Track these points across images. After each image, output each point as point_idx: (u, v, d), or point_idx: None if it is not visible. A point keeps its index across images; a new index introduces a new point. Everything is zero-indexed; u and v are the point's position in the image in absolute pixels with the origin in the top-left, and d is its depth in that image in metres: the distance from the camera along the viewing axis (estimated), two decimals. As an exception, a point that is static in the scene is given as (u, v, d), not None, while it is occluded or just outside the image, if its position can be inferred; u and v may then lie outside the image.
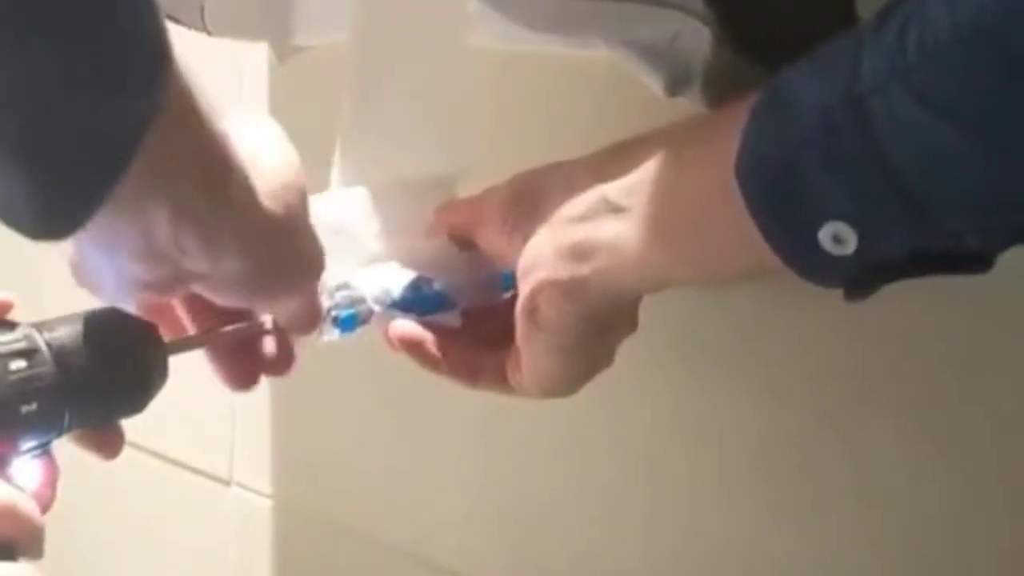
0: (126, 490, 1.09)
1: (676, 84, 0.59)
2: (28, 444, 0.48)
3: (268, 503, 0.99)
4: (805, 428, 0.69)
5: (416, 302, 0.62)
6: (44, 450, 0.50)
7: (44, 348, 0.48)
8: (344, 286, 0.61)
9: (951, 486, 0.65)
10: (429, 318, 0.62)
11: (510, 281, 0.60)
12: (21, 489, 0.48)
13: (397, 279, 0.62)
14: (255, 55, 0.93)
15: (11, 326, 0.48)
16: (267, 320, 0.58)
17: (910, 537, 0.66)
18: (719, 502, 0.73)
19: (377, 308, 0.61)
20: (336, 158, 0.65)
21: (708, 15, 0.57)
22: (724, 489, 0.73)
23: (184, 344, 0.54)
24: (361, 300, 0.61)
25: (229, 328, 0.56)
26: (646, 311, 0.59)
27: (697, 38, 0.57)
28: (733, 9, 0.56)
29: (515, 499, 0.83)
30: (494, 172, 0.80)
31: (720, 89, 0.59)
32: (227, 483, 1.02)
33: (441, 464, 0.87)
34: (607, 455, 0.78)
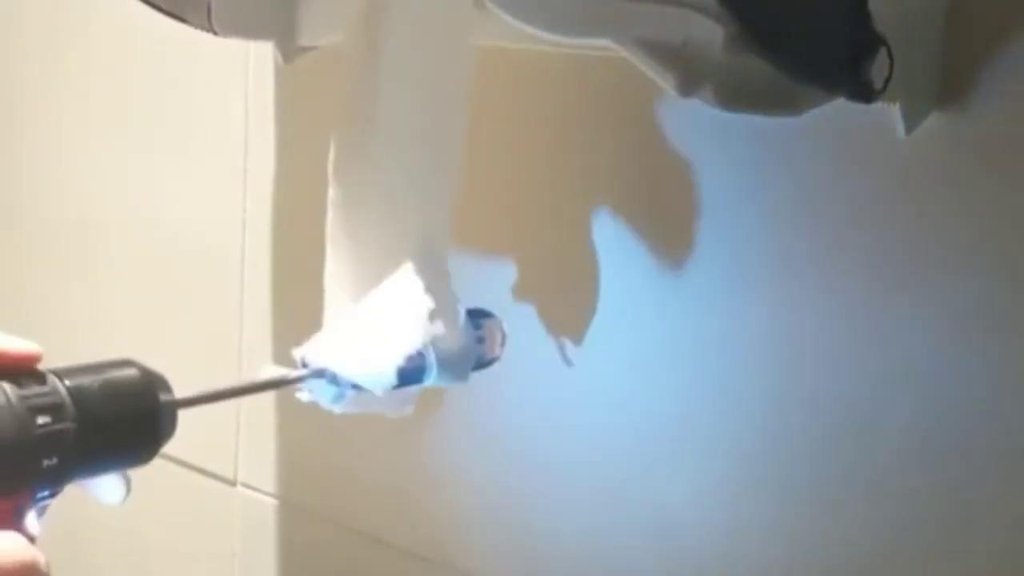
0: (132, 492, 1.08)
1: (689, 84, 0.59)
2: (42, 495, 0.50)
3: (273, 503, 0.99)
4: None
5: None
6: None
7: (68, 403, 0.49)
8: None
9: None
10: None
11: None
12: (32, 539, 0.49)
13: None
14: (261, 55, 0.93)
15: (39, 377, 0.49)
16: (282, 375, 0.60)
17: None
18: (729, 502, 0.73)
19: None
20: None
21: (722, 14, 0.57)
22: (729, 486, 0.73)
23: (196, 400, 0.56)
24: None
25: (241, 385, 0.59)
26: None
27: (710, 38, 0.57)
28: (746, 8, 0.56)
29: (520, 499, 0.83)
30: (501, 170, 0.81)
31: (734, 89, 0.59)
32: (232, 483, 1.02)
33: (446, 464, 0.87)
34: (611, 453, 0.78)
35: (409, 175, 0.65)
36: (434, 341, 0.63)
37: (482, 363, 0.68)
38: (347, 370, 0.60)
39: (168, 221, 1.05)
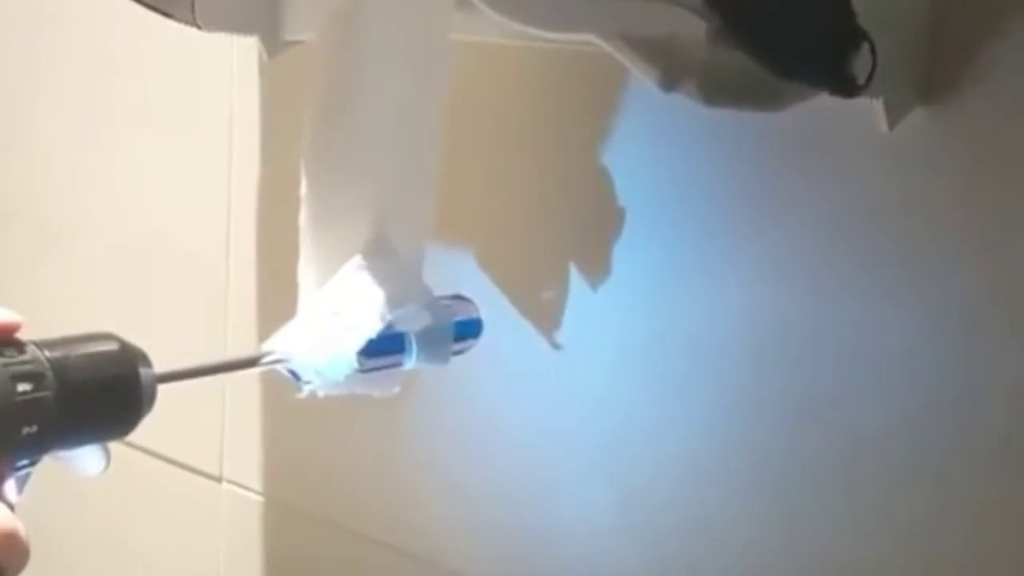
0: (117, 488, 1.08)
1: (672, 79, 0.59)
2: (22, 463, 0.50)
3: (259, 500, 0.99)
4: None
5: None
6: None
7: (49, 372, 0.49)
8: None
9: None
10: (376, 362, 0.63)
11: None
12: (11, 506, 0.49)
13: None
14: (245, 50, 0.93)
15: (19, 346, 0.49)
16: (260, 353, 0.60)
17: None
18: (730, 502, 0.73)
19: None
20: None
21: (705, 10, 0.57)
22: (728, 491, 0.73)
23: (175, 375, 0.56)
24: None
25: (220, 361, 0.59)
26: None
27: (694, 33, 0.57)
28: (730, 4, 0.56)
29: (508, 496, 0.83)
30: (487, 166, 0.81)
31: (717, 85, 0.59)
32: (218, 480, 1.02)
33: (432, 460, 0.87)
34: (598, 450, 0.78)
35: (380, 168, 0.65)
36: (403, 325, 0.63)
37: (469, 327, 0.68)
38: (305, 359, 0.61)
39: (152, 218, 1.05)
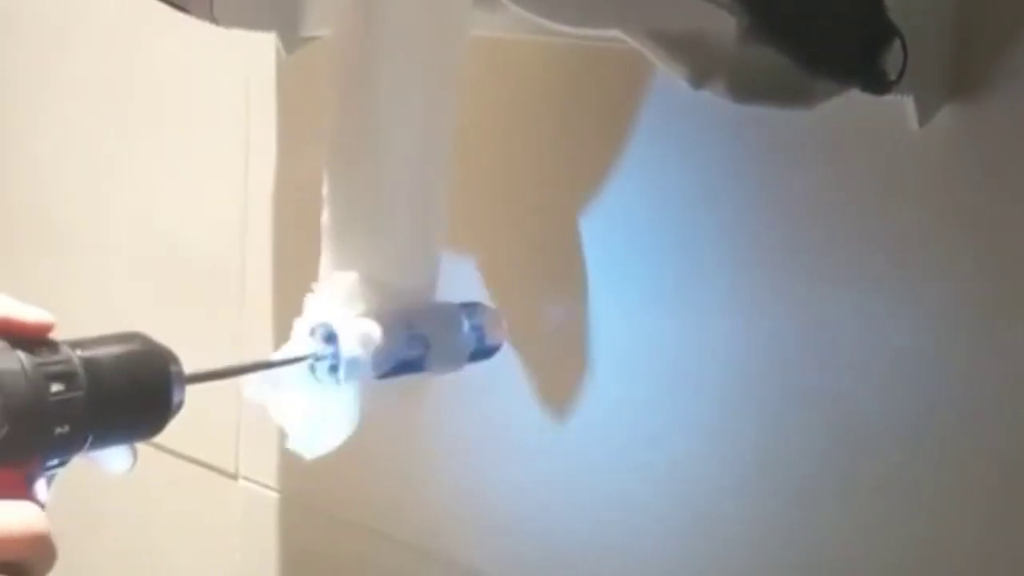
0: (133, 485, 1.08)
1: (701, 76, 0.59)
2: (52, 462, 0.50)
3: (274, 496, 0.99)
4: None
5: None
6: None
7: (81, 372, 0.49)
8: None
9: None
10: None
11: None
12: (42, 506, 0.49)
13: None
14: (263, 45, 0.93)
15: (53, 346, 0.50)
16: (297, 354, 0.60)
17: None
18: (726, 497, 0.73)
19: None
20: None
21: (735, 6, 0.56)
22: (731, 486, 0.73)
23: (204, 376, 0.56)
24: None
25: (251, 363, 0.60)
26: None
27: (723, 29, 0.57)
28: (761, 0, 0.55)
29: (520, 493, 0.83)
30: (506, 161, 0.80)
31: (747, 81, 0.58)
32: (234, 477, 1.02)
33: (447, 458, 0.87)
34: (604, 448, 0.78)
35: (400, 167, 0.65)
36: (431, 334, 0.65)
37: (487, 350, 0.69)
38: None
39: (169, 219, 1.05)
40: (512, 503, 0.83)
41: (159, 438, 1.04)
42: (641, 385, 0.76)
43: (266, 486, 0.99)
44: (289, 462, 0.98)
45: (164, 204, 1.05)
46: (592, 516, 0.79)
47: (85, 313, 1.09)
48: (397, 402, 0.83)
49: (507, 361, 0.79)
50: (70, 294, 1.12)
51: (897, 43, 0.57)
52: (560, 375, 0.79)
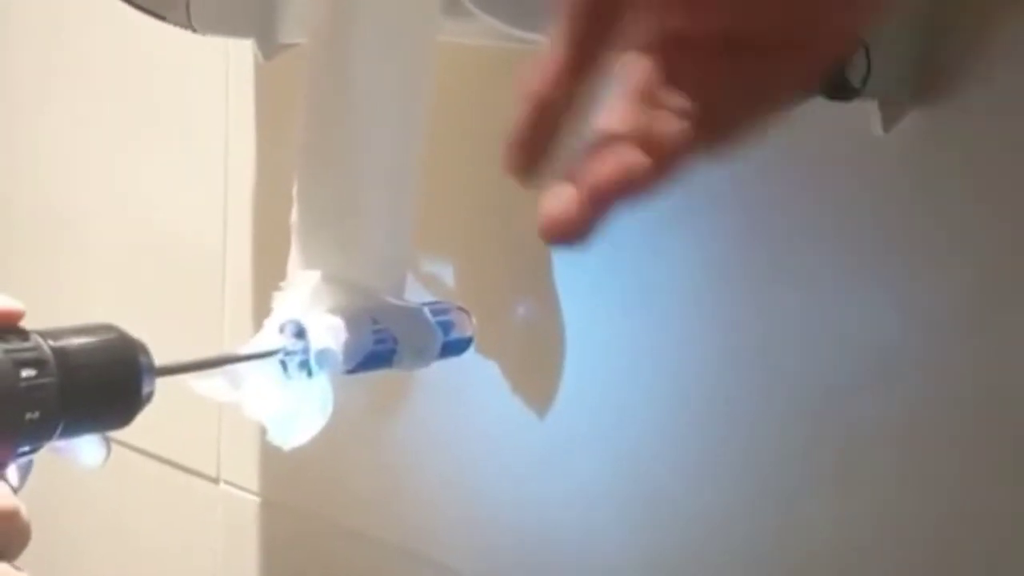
0: (116, 489, 1.09)
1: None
2: (23, 449, 0.50)
3: (256, 501, 0.99)
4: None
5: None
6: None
7: (52, 359, 0.49)
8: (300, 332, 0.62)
9: None
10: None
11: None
12: (14, 490, 0.49)
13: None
14: (241, 52, 0.93)
15: (23, 334, 0.50)
16: (270, 347, 0.60)
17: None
18: (702, 496, 0.74)
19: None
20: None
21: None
22: (705, 483, 0.73)
23: (174, 368, 0.56)
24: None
25: (220, 356, 0.60)
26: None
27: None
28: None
29: (501, 493, 0.83)
30: (475, 164, 0.81)
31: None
32: (216, 481, 1.02)
33: (428, 459, 0.87)
34: (590, 449, 0.78)
35: (367, 169, 0.66)
36: (397, 329, 0.65)
37: (457, 344, 0.69)
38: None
39: (150, 218, 1.05)
40: (496, 504, 0.83)
41: (141, 443, 1.04)
42: (625, 383, 0.76)
43: (248, 490, 1.00)
44: (271, 466, 0.98)
45: (146, 204, 1.05)
46: (578, 517, 0.80)
47: (65, 306, 1.10)
48: (375, 402, 0.84)
49: (482, 363, 0.79)
50: (52, 286, 1.12)
51: (861, 50, 0.57)
52: (535, 373, 0.80)
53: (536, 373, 0.80)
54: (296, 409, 0.64)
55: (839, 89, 0.58)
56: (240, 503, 1.00)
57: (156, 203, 1.05)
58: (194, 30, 0.78)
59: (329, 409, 0.64)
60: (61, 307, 1.11)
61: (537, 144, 0.44)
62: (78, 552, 1.13)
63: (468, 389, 0.82)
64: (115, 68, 1.07)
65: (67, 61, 1.11)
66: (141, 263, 1.06)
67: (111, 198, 1.09)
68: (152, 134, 1.04)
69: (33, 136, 1.15)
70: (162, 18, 0.78)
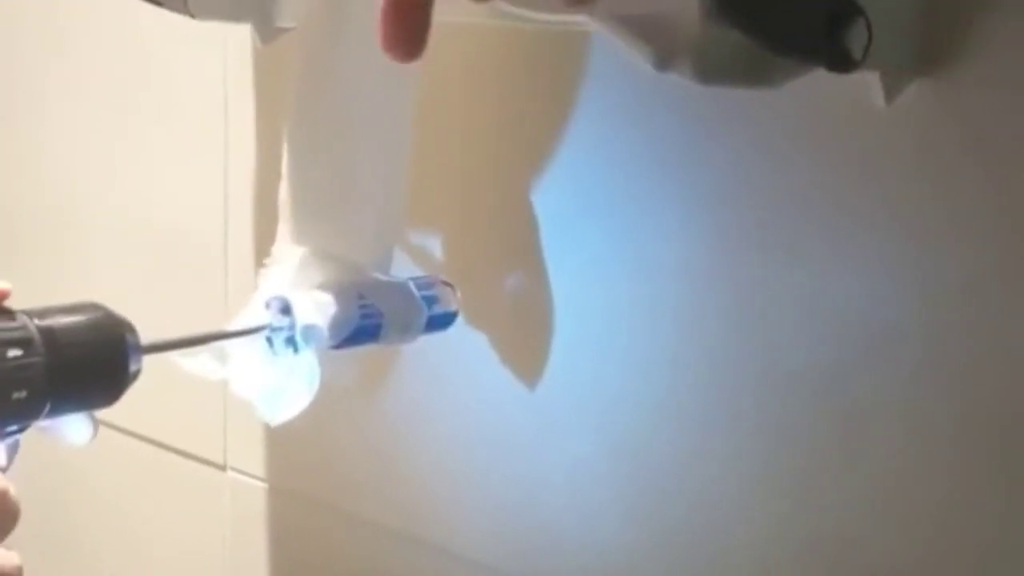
0: (122, 477, 1.09)
1: (665, 59, 0.59)
2: (10, 429, 0.51)
3: (263, 487, 0.99)
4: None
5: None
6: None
7: (38, 338, 0.50)
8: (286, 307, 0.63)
9: None
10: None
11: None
12: (2, 470, 0.50)
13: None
14: (239, 37, 0.93)
15: (9, 314, 0.50)
16: (256, 323, 0.60)
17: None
18: (700, 472, 0.73)
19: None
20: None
21: (698, -13, 0.56)
22: (702, 459, 0.73)
23: (161, 346, 0.57)
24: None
25: (206, 333, 0.60)
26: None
27: (687, 11, 0.57)
28: (723, -19, 0.55)
29: (507, 479, 0.83)
30: (464, 140, 0.81)
31: (711, 62, 0.58)
32: (223, 468, 1.02)
33: (434, 445, 0.87)
34: (585, 425, 0.78)
35: (357, 148, 0.66)
36: (383, 303, 0.66)
37: (443, 318, 0.70)
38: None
39: (150, 204, 1.05)
40: (503, 491, 0.83)
41: (147, 430, 1.04)
42: (620, 363, 0.76)
43: (255, 476, 1.00)
44: (278, 453, 0.99)
45: (145, 189, 1.05)
46: (579, 500, 0.79)
47: (64, 295, 1.10)
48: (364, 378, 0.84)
49: (489, 347, 0.79)
50: (51, 275, 1.12)
51: (861, 21, 0.57)
52: (524, 345, 0.79)
53: (524, 345, 0.79)
54: (283, 385, 0.64)
55: (840, 60, 0.57)
56: (247, 490, 1.00)
57: (154, 193, 1.05)
58: (192, 15, 0.78)
59: (316, 385, 0.65)
60: (63, 300, 1.11)
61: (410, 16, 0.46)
62: (85, 540, 1.14)
63: (475, 374, 0.82)
64: (111, 57, 1.07)
65: (67, 54, 1.11)
66: (139, 252, 1.06)
67: (111, 191, 1.09)
68: (151, 126, 1.04)
69: (34, 128, 1.15)
70: (159, 3, 0.78)
